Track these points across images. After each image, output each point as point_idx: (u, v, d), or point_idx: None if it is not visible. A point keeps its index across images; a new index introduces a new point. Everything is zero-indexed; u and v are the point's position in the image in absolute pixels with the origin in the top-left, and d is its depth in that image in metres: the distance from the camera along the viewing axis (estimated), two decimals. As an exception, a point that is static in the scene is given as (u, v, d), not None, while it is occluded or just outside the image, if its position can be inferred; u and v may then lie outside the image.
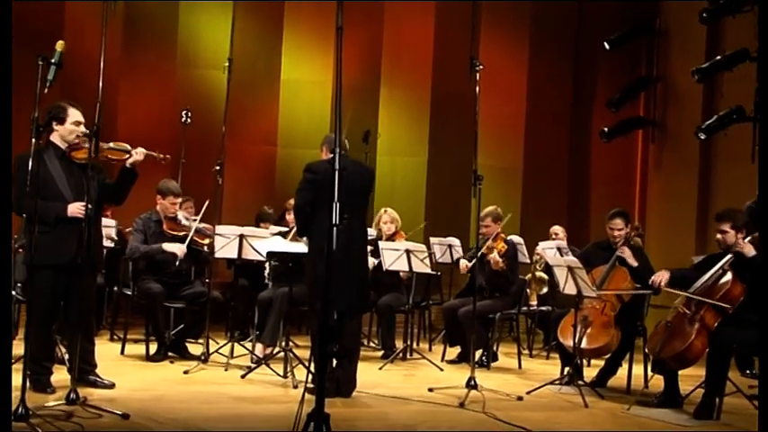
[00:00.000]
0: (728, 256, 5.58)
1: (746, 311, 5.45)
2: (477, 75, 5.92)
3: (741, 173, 8.78)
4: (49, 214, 5.00)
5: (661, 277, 5.77)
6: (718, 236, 5.69)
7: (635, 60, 10.56)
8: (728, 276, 5.49)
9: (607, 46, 10.13)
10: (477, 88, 5.93)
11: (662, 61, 10.34)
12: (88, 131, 4.94)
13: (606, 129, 10.15)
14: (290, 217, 7.40)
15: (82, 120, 5.14)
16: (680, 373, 5.65)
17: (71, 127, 5.15)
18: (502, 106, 10.03)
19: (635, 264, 6.25)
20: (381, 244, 7.22)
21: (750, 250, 5.51)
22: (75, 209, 4.96)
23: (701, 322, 5.46)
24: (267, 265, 7.18)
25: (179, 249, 6.58)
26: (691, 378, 5.71)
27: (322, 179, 5.25)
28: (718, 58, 9.10)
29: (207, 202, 6.88)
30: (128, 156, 5.26)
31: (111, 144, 5.30)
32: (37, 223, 4.79)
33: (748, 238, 5.63)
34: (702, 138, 9.17)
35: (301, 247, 6.21)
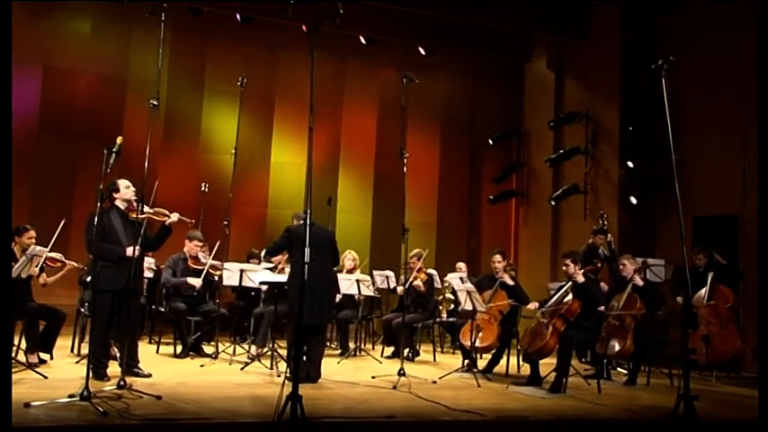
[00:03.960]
0: (569, 283, 5.77)
1: (582, 319, 5.62)
2: (405, 159, 5.92)
3: (577, 227, 9.02)
4: (113, 254, 5.00)
5: (533, 306, 5.91)
6: (564, 267, 5.85)
7: (509, 152, 10.67)
8: (569, 296, 5.66)
9: (491, 141, 10.36)
10: (405, 168, 5.94)
11: (526, 153, 10.48)
12: (138, 198, 4.98)
13: (491, 197, 10.26)
14: (276, 258, 7.39)
15: (129, 184, 5.18)
16: (540, 362, 5.75)
17: (124, 190, 5.19)
18: (421, 181, 10.06)
19: (512, 283, 6.33)
20: (340, 276, 7.22)
21: (580, 278, 5.67)
22: (130, 251, 4.95)
23: (553, 327, 5.57)
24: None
25: (197, 282, 6.54)
26: (547, 365, 5.79)
27: (295, 234, 5.31)
28: (561, 151, 9.41)
29: (217, 245, 6.85)
30: (166, 218, 5.29)
31: (157, 209, 5.32)
32: (101, 260, 4.78)
33: (582, 270, 5.84)
34: (553, 204, 9.43)
35: (284, 278, 6.23)
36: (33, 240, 5.58)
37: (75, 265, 5.95)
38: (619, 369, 6.60)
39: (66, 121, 8.81)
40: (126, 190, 5.16)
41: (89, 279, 5.92)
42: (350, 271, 7.47)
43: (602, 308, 5.92)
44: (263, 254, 6.12)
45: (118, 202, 5.18)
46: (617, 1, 8.39)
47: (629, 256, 6.27)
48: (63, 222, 5.86)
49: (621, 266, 6.18)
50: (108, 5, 8.89)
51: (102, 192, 4.51)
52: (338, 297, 6.72)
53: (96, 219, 4.57)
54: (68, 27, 9.08)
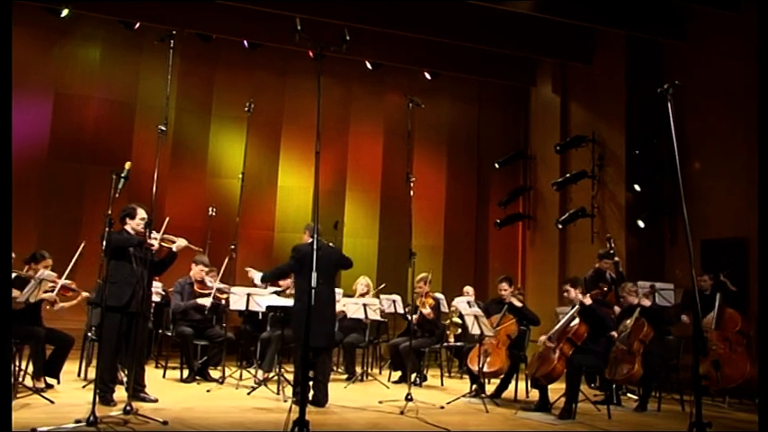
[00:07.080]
0: (576, 307, 5.73)
1: (590, 343, 5.58)
2: (411, 183, 5.95)
3: (584, 250, 9.01)
4: (132, 241, 5.10)
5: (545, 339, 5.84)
6: (565, 294, 5.82)
7: (515, 175, 10.74)
8: (576, 320, 5.63)
9: (497, 165, 10.42)
10: (411, 192, 5.98)
11: (532, 176, 10.55)
12: (147, 223, 5.05)
13: (498, 220, 10.31)
14: (284, 282, 7.41)
15: (146, 216, 5.19)
16: (549, 387, 5.69)
17: (138, 221, 5.23)
18: (428, 205, 10.12)
19: (520, 305, 6.32)
20: (348, 299, 7.20)
21: (587, 300, 5.64)
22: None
23: (561, 352, 5.54)
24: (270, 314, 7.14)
25: (207, 302, 6.62)
26: (556, 391, 5.75)
27: (303, 256, 5.32)
28: (567, 175, 9.43)
29: (223, 267, 6.88)
30: (173, 244, 5.35)
31: (165, 235, 5.37)
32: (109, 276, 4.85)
33: (588, 294, 5.80)
34: (560, 227, 9.44)
35: (291, 302, 6.24)
36: (50, 269, 5.64)
37: (88, 295, 6.02)
38: (629, 395, 6.53)
39: (74, 146, 8.96)
40: (140, 221, 5.21)
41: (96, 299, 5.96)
42: (362, 295, 7.48)
43: (615, 333, 5.89)
44: (257, 278, 6.15)
45: (128, 227, 5.23)
46: (621, 25, 8.50)
47: (630, 286, 6.24)
48: (80, 250, 5.89)
49: (622, 298, 6.17)
50: (117, 32, 9.09)
51: (111, 216, 4.55)
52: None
53: (105, 241, 4.61)
54: (78, 54, 9.27)
